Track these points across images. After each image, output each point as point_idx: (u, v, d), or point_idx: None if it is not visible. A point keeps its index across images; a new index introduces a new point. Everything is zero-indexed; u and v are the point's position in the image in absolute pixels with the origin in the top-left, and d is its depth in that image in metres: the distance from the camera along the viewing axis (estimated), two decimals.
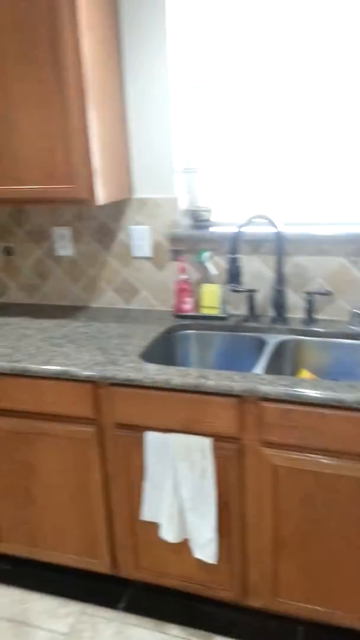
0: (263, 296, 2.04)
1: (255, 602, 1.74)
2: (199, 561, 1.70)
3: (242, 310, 2.08)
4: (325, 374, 1.89)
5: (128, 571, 1.86)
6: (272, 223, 1.84)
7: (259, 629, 1.77)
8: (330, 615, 1.65)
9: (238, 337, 1.98)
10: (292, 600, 1.68)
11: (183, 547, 1.71)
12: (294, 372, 1.92)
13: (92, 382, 1.67)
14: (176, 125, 2.00)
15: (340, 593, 1.61)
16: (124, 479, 1.74)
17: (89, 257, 2.23)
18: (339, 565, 1.58)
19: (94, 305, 2.30)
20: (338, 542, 1.56)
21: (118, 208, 2.13)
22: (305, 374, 1.87)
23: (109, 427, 1.71)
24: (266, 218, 1.83)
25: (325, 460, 1.50)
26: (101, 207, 2.15)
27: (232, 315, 2.07)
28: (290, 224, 1.98)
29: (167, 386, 1.57)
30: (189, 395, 1.57)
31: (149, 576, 1.84)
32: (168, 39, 1.88)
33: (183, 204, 2.09)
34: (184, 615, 1.83)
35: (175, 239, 2.09)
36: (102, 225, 2.17)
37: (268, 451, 1.55)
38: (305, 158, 1.92)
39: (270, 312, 2.03)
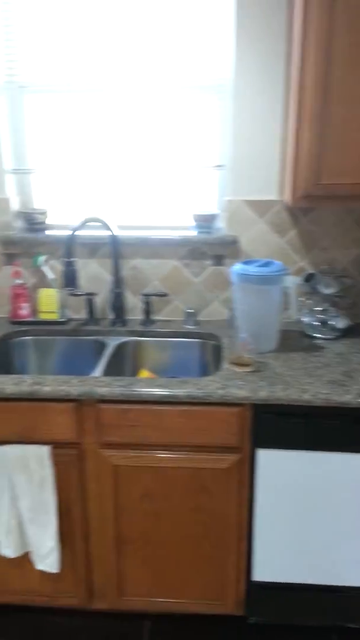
0: (102, 299, 2.06)
1: (101, 605, 1.74)
2: (42, 572, 1.66)
3: (81, 314, 2.07)
4: (164, 372, 1.97)
5: None
6: (106, 226, 1.87)
7: (107, 631, 1.77)
8: (176, 605, 1.72)
9: (78, 341, 1.97)
10: (138, 597, 1.72)
11: (24, 560, 1.65)
12: (135, 372, 1.97)
13: None
14: (4, 125, 1.93)
15: (183, 582, 1.69)
16: None
17: None
18: (179, 555, 1.66)
19: None
20: (176, 532, 1.63)
21: None
22: (144, 374, 1.93)
23: None
24: (100, 221, 1.85)
25: (162, 454, 1.56)
26: None
27: (71, 320, 2.05)
28: (125, 228, 2.02)
29: None
30: (24, 404, 1.52)
31: None
32: None
33: (15, 206, 2.02)
34: (29, 630, 1.77)
35: (8, 242, 2.00)
36: None
37: (108, 452, 1.56)
38: (137, 163, 1.98)
39: (110, 315, 2.05)
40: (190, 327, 1.98)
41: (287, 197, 1.71)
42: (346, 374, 1.57)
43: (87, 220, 1.82)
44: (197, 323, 2.01)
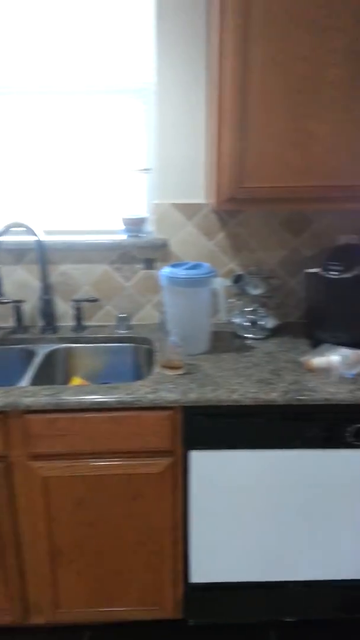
0: (31, 306, 2.01)
1: (38, 620, 1.69)
2: None
3: (9, 322, 2.01)
4: (97, 378, 1.94)
5: None
6: (31, 231, 1.82)
7: None
8: (114, 614, 1.70)
9: (5, 350, 1.91)
10: (76, 608, 1.68)
11: None
12: (67, 380, 1.93)
13: None
14: None
15: (120, 589, 1.67)
16: None
17: None
18: (115, 562, 1.64)
19: None
20: (111, 540, 1.61)
21: None
22: (76, 381, 1.89)
23: None
24: (24, 226, 1.80)
25: (94, 463, 1.53)
26: None
27: None
28: (53, 233, 1.98)
29: None
30: None
31: None
32: None
33: None
34: None
35: None
36: None
37: (37, 464, 1.52)
38: (64, 167, 1.95)
39: (40, 322, 2.00)
40: (122, 332, 1.97)
41: (213, 200, 1.73)
42: (274, 372, 1.61)
43: (10, 226, 1.77)
44: (129, 327, 1.99)
